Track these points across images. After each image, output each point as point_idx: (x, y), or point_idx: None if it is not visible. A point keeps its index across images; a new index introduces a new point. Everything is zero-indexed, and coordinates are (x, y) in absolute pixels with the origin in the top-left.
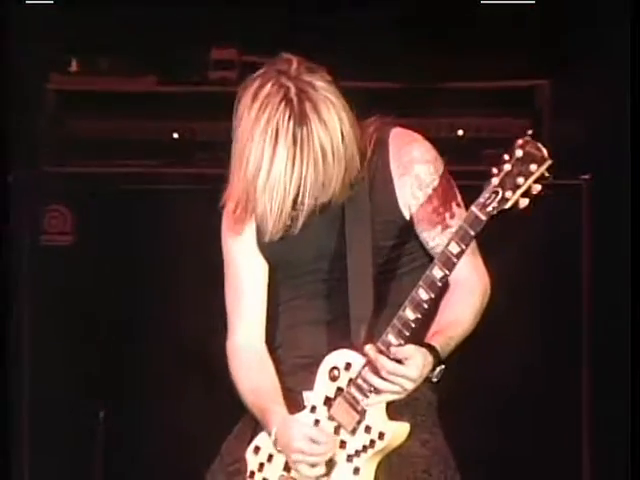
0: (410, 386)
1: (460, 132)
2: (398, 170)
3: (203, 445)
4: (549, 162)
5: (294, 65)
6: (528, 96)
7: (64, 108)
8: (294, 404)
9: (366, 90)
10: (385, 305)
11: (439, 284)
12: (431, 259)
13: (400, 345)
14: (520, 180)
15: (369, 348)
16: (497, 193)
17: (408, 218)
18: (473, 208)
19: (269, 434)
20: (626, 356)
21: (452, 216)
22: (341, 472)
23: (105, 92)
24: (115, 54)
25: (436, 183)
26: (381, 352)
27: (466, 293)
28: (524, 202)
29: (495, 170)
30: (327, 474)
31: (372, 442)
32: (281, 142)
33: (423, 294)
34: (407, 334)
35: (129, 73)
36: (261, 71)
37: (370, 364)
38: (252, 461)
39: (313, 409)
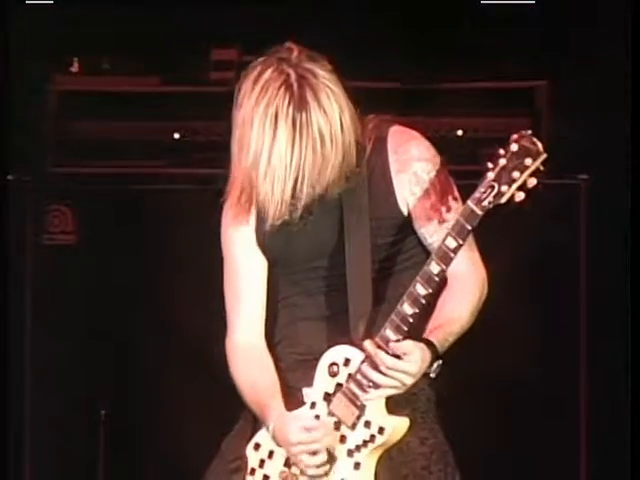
0: (409, 381)
1: (459, 132)
2: (396, 167)
3: (203, 444)
4: (544, 156)
5: (295, 53)
6: (527, 96)
7: (65, 108)
8: (294, 400)
9: (366, 90)
10: (384, 301)
11: (436, 279)
12: (429, 255)
13: (398, 340)
14: (515, 174)
15: (368, 343)
16: (493, 187)
17: (406, 214)
18: (469, 203)
19: (267, 430)
20: (624, 353)
21: (448, 210)
22: (342, 467)
23: (106, 92)
24: (116, 55)
25: (433, 178)
26: (379, 347)
27: (464, 289)
28: (520, 196)
29: (491, 165)
30: (328, 469)
31: (372, 437)
32: (281, 126)
33: (421, 289)
34: (405, 329)
35: (130, 74)
36: (262, 59)
37: (369, 359)
38: (253, 458)
39: (313, 405)
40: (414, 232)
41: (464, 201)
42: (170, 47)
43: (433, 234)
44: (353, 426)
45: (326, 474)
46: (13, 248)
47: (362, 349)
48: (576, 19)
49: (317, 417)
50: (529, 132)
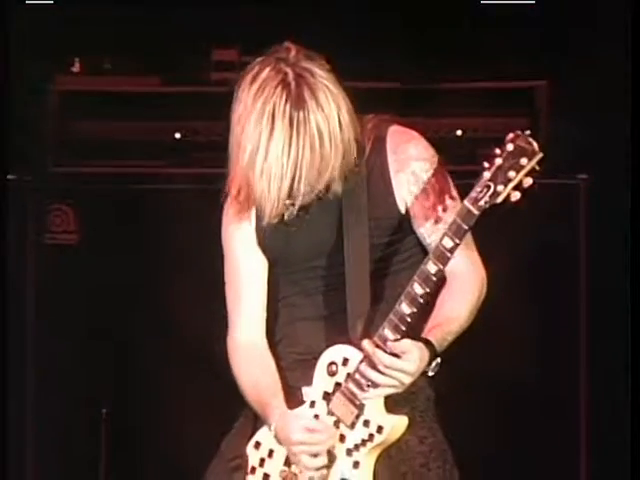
0: (408, 380)
1: (459, 132)
2: (395, 167)
3: (203, 444)
4: (540, 155)
5: (293, 52)
6: (527, 96)
7: (65, 108)
8: (294, 400)
9: (366, 90)
10: (382, 300)
11: (434, 278)
12: (428, 255)
13: (397, 340)
14: (511, 174)
15: (366, 343)
16: (489, 187)
17: (404, 214)
18: (465, 202)
19: (269, 429)
20: (624, 353)
21: (445, 209)
22: (341, 466)
23: (106, 92)
24: (116, 55)
25: (431, 178)
26: (378, 347)
27: (462, 288)
28: (516, 196)
29: (487, 164)
30: (327, 468)
31: (371, 436)
32: (278, 124)
33: (418, 288)
34: (403, 328)
35: (130, 74)
36: (260, 58)
37: (367, 359)
38: (253, 456)
39: (312, 404)
40: (413, 232)
41: (461, 198)
42: (171, 47)
43: (432, 234)
44: (352, 425)
45: (325, 474)
46: (13, 248)
47: (360, 348)
48: (576, 19)
49: (316, 416)
50: (527, 132)
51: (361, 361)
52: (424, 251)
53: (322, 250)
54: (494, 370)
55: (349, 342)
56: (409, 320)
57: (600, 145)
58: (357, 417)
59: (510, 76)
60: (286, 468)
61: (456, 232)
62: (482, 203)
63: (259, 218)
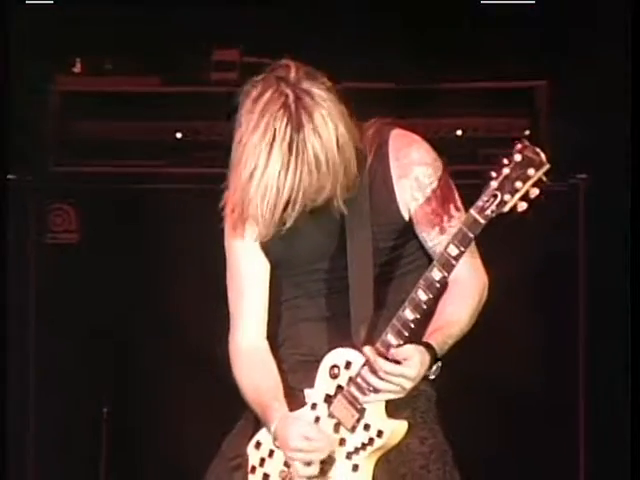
0: (409, 385)
1: (459, 132)
2: (397, 172)
3: (203, 444)
4: (547, 167)
5: (293, 71)
6: (527, 96)
7: (66, 108)
8: (296, 402)
9: (366, 90)
10: (385, 305)
11: (438, 285)
12: (431, 259)
13: (399, 345)
14: (518, 184)
15: (368, 350)
16: (496, 196)
17: (408, 219)
18: (472, 211)
19: (269, 432)
20: (624, 354)
21: (450, 218)
22: (340, 469)
23: (107, 92)
24: (117, 55)
25: (435, 185)
26: (380, 353)
27: (464, 293)
28: (522, 206)
29: (494, 174)
30: (326, 472)
31: (371, 440)
32: (276, 148)
33: (422, 295)
34: (406, 334)
35: (131, 74)
36: (260, 77)
37: (369, 364)
38: (253, 456)
39: (314, 406)
40: (415, 236)
41: (464, 204)
42: (171, 47)
43: (434, 238)
44: (352, 429)
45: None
46: (14, 248)
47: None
48: (576, 19)
49: (317, 419)
50: (528, 133)
51: (363, 365)
52: (427, 255)
53: (325, 253)
54: (494, 372)
55: (352, 345)
56: (412, 326)
57: (600, 145)
58: (358, 421)
59: (510, 76)
60: (286, 468)
61: (462, 240)
62: (489, 212)
63: None
